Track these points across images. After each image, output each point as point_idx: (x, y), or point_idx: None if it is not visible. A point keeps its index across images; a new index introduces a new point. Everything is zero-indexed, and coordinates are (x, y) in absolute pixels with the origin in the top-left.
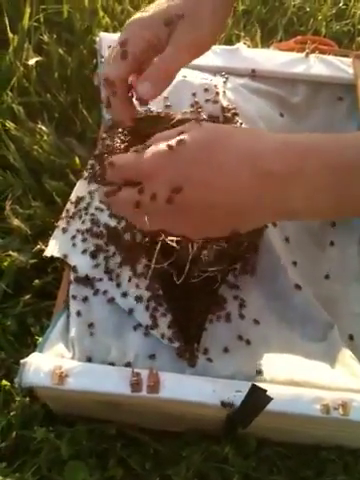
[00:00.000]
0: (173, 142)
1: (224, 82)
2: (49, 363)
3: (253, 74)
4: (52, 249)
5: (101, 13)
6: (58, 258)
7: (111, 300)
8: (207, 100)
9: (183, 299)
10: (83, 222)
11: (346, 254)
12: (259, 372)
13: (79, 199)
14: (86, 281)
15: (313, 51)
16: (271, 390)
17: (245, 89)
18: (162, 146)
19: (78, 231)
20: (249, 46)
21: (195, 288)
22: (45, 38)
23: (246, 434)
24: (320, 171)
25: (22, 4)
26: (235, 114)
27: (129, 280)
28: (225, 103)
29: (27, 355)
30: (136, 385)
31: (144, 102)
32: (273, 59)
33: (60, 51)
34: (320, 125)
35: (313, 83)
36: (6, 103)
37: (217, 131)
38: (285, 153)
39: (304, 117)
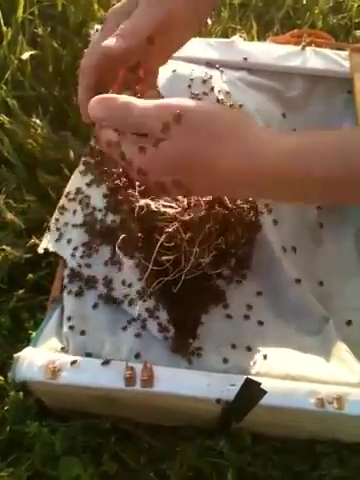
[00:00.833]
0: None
1: (220, 74)
2: (42, 357)
3: (246, 63)
4: (46, 244)
5: (96, 6)
6: (52, 253)
7: (105, 295)
8: (204, 93)
9: (178, 294)
10: (77, 217)
11: (342, 249)
12: (254, 365)
13: (74, 193)
14: (80, 276)
15: (309, 44)
16: (266, 384)
17: (241, 82)
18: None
19: (73, 226)
20: (245, 39)
21: (190, 283)
22: (39, 31)
23: (241, 429)
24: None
25: None
26: (231, 106)
27: (124, 276)
28: (221, 96)
29: (21, 350)
30: (130, 379)
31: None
32: (269, 52)
33: (54, 44)
34: (317, 119)
35: (310, 77)
36: (0, 97)
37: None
38: None
39: (301, 110)
